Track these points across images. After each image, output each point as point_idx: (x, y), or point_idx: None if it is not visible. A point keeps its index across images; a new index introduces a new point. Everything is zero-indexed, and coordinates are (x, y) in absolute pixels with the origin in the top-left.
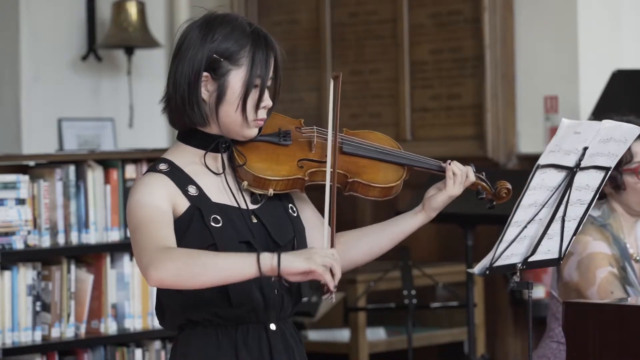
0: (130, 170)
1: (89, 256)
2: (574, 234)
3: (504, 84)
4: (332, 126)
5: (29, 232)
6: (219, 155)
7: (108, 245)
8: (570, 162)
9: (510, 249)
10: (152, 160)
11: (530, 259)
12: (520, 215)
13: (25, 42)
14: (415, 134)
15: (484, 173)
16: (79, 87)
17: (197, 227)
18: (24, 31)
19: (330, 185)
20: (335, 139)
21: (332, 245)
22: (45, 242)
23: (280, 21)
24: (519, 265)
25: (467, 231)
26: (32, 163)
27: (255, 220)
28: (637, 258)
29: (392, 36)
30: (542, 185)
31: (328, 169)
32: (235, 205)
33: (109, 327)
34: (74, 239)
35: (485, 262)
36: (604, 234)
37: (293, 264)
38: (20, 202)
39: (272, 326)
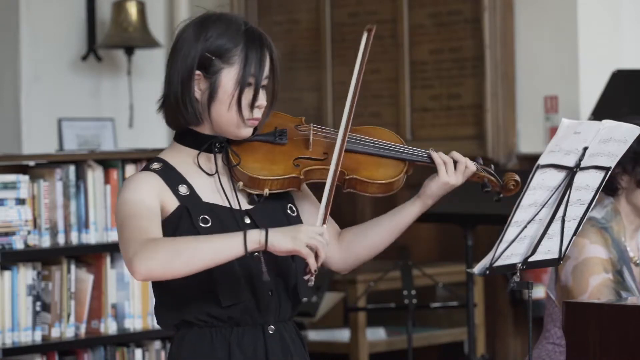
0: (130, 170)
1: (89, 256)
2: (574, 234)
3: (504, 84)
4: (356, 80)
5: (29, 232)
6: (212, 155)
7: (108, 245)
8: (570, 162)
9: (510, 249)
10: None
11: (530, 259)
12: (520, 215)
13: (25, 42)
14: (415, 134)
15: (492, 166)
16: (79, 87)
17: (185, 227)
18: (24, 31)
19: (336, 163)
20: (353, 100)
21: (324, 222)
22: (45, 242)
23: (280, 21)
24: (519, 265)
25: (467, 231)
26: (32, 163)
27: (248, 221)
28: (638, 262)
29: (392, 36)
30: (542, 185)
31: (339, 141)
32: (227, 205)
33: (109, 327)
34: (74, 239)
35: (485, 262)
36: (604, 236)
37: (280, 242)
38: (20, 202)
39: (271, 328)
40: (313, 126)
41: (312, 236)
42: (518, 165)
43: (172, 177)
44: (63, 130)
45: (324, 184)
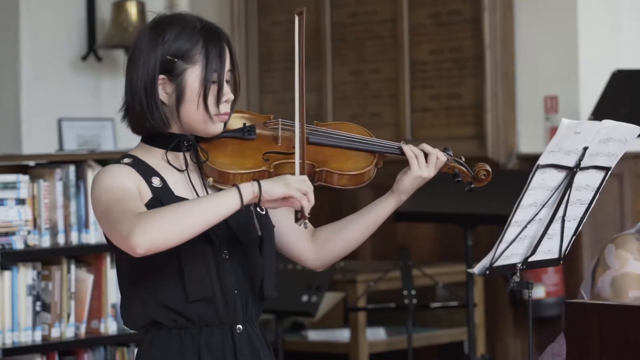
0: None
1: (89, 256)
2: (574, 234)
3: (504, 84)
4: (299, 63)
5: (29, 232)
6: (180, 153)
7: (108, 245)
8: (570, 162)
9: (510, 249)
10: None
11: (530, 259)
12: (520, 215)
13: (25, 42)
14: (415, 134)
15: (462, 158)
16: (79, 87)
17: None
18: (24, 31)
19: (299, 116)
20: (301, 70)
21: (302, 173)
22: (45, 242)
23: (280, 21)
24: (519, 265)
25: (467, 231)
26: (32, 163)
27: None
28: None
29: (392, 36)
30: (542, 185)
31: (297, 99)
32: None
33: (109, 327)
34: (74, 239)
35: (485, 262)
36: None
37: (273, 189)
38: (20, 202)
39: (239, 328)
40: (281, 121)
41: (300, 182)
42: (518, 165)
43: (144, 170)
44: (63, 130)
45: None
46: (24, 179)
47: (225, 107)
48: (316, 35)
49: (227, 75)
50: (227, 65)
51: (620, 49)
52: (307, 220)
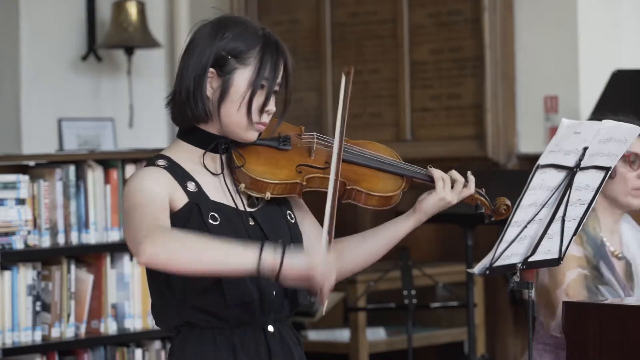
0: (130, 171)
1: (89, 256)
2: (574, 234)
3: (504, 84)
4: (341, 126)
5: (29, 232)
6: (218, 155)
7: (108, 245)
8: (570, 162)
9: (510, 249)
10: None
11: (530, 259)
12: (520, 215)
13: (25, 42)
14: (415, 134)
15: (483, 189)
16: (79, 87)
17: (195, 223)
18: (24, 31)
19: (333, 194)
20: (341, 140)
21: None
22: (45, 242)
23: (280, 21)
24: (519, 265)
25: (467, 231)
26: (32, 163)
27: (252, 223)
28: (620, 255)
29: (392, 36)
30: (542, 185)
31: (332, 177)
32: (233, 205)
33: (109, 327)
34: (74, 239)
35: (485, 262)
36: (578, 234)
37: (293, 268)
38: (20, 202)
39: (270, 328)
40: (317, 135)
41: (325, 261)
42: (518, 165)
43: (179, 173)
44: (63, 130)
45: (323, 192)
46: (24, 179)
47: (265, 117)
48: (316, 35)
49: (275, 88)
50: (278, 78)
51: (620, 49)
52: (323, 307)
